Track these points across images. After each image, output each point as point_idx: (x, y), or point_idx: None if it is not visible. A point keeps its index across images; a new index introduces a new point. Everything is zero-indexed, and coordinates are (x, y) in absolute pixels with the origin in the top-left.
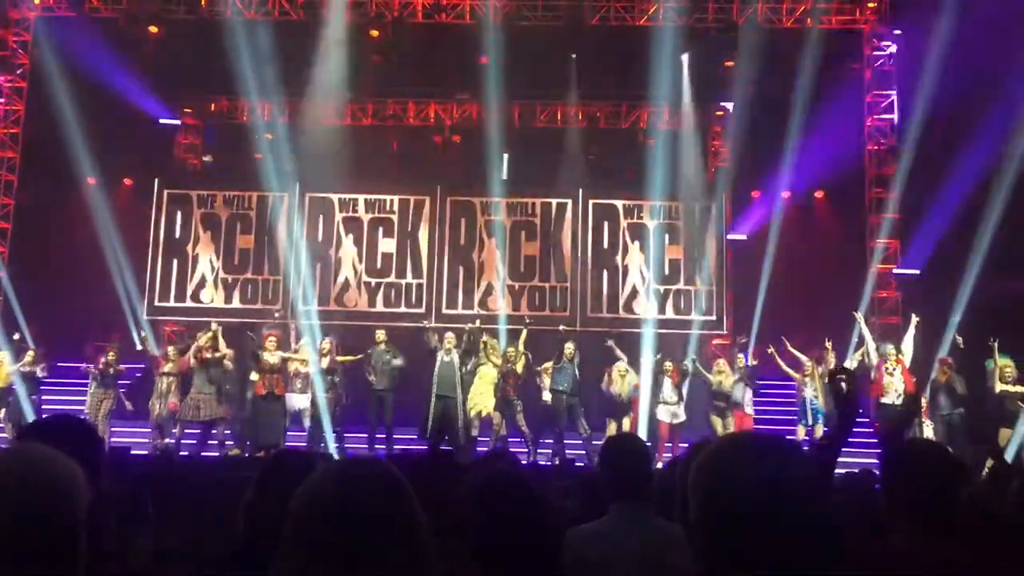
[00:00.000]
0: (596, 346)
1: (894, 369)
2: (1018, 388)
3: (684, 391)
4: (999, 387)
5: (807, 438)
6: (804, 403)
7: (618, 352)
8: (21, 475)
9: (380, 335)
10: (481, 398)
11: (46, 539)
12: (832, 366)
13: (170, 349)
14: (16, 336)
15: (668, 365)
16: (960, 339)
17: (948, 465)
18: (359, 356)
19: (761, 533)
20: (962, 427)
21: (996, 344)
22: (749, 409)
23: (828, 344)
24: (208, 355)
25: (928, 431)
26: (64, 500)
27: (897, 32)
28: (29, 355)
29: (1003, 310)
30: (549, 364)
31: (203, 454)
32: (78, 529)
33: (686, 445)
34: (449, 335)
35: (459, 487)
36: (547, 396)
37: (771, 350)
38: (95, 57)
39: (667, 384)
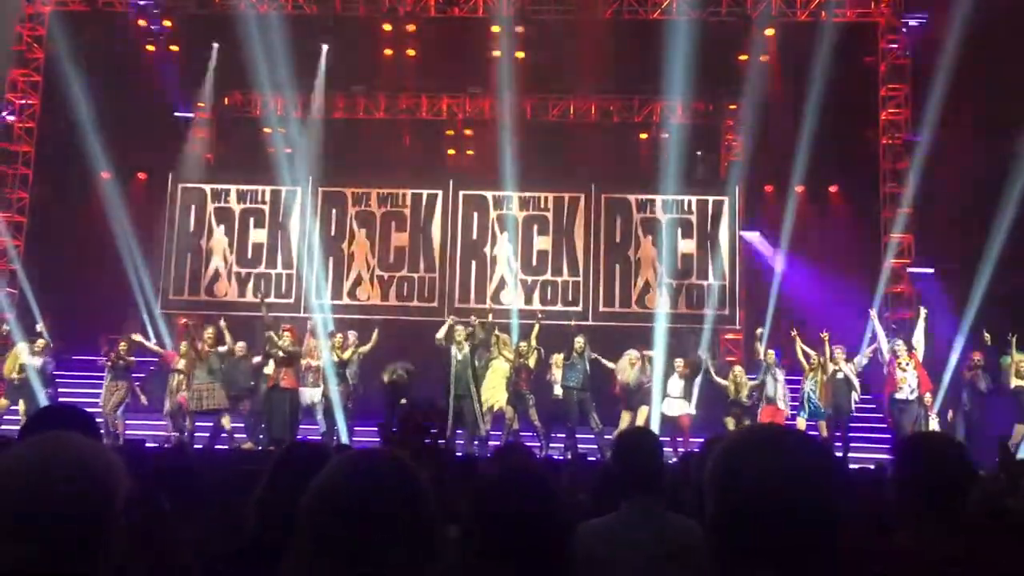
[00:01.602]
0: (608, 341)
1: (907, 364)
2: None
3: (695, 385)
4: (1015, 382)
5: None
6: (803, 395)
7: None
8: (63, 464)
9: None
10: (493, 392)
11: (84, 528)
12: (834, 358)
13: (182, 345)
14: (39, 327)
15: (678, 362)
16: (988, 336)
17: (960, 461)
18: (371, 344)
19: (777, 528)
20: (981, 425)
21: (1015, 340)
22: (782, 404)
23: (824, 335)
24: (208, 348)
25: (934, 424)
26: (104, 491)
27: (913, 20)
28: (39, 343)
29: (1018, 305)
30: (559, 356)
31: (216, 447)
32: (116, 519)
33: (700, 440)
34: (458, 328)
35: (472, 482)
36: (558, 391)
37: (794, 333)
38: (109, 51)
39: (674, 378)
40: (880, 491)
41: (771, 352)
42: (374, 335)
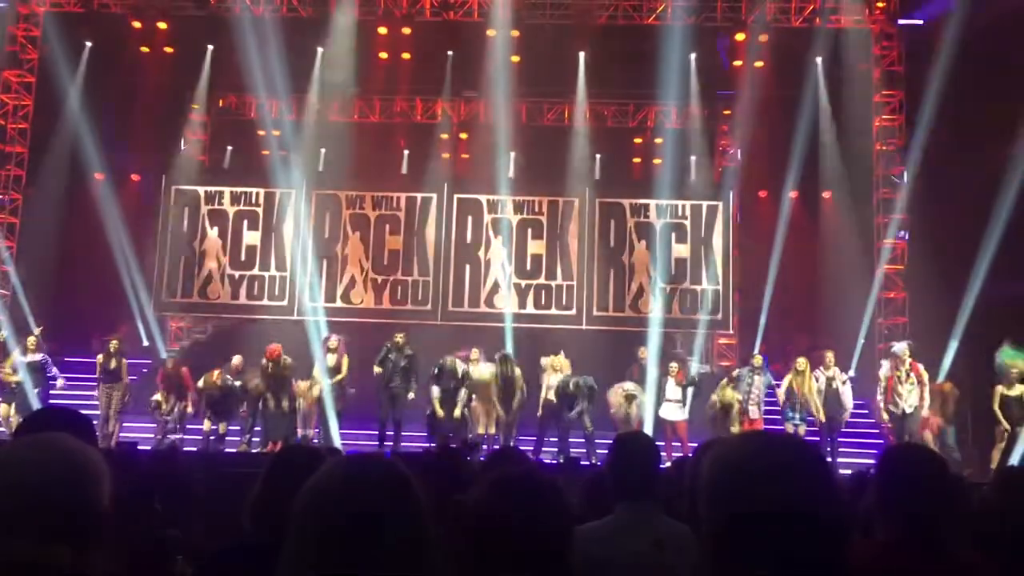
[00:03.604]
0: (601, 345)
1: (907, 376)
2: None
3: (689, 392)
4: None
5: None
6: (795, 400)
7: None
8: (55, 462)
9: (399, 337)
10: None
11: (74, 523)
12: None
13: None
14: (39, 330)
15: (673, 366)
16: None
17: (938, 474)
18: (343, 375)
19: (771, 535)
20: (950, 443)
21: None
22: (756, 412)
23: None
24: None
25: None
26: (92, 487)
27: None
28: (31, 340)
29: (1010, 311)
30: (555, 359)
31: (210, 450)
32: (103, 515)
33: (695, 445)
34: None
35: (470, 488)
36: (551, 395)
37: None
38: (104, 53)
39: (671, 383)
40: (861, 495)
41: (759, 356)
42: (344, 366)
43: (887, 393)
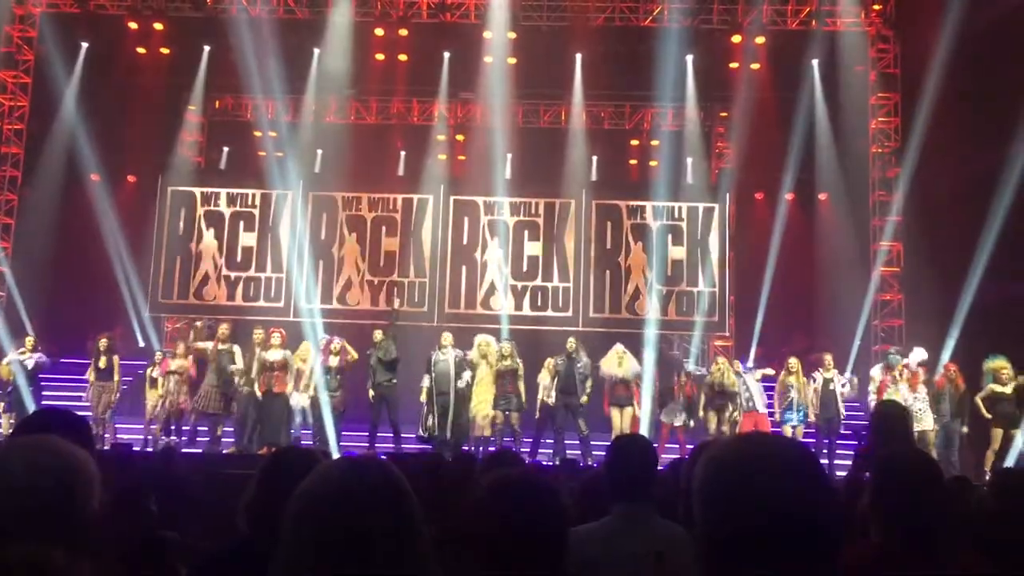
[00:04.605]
0: (597, 346)
1: (902, 377)
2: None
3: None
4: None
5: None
6: (791, 400)
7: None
8: (46, 465)
9: (378, 334)
10: (484, 398)
11: (65, 525)
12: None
13: (180, 345)
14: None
15: (683, 380)
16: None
17: (928, 478)
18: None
19: (766, 539)
20: (956, 437)
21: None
22: (761, 407)
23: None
24: (217, 349)
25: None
26: (82, 489)
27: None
28: (29, 341)
29: (1005, 312)
30: (550, 360)
31: (206, 451)
32: (94, 518)
33: (692, 447)
34: (446, 335)
35: (467, 490)
36: (551, 397)
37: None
38: (100, 54)
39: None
40: (858, 497)
41: (736, 361)
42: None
43: (879, 395)
